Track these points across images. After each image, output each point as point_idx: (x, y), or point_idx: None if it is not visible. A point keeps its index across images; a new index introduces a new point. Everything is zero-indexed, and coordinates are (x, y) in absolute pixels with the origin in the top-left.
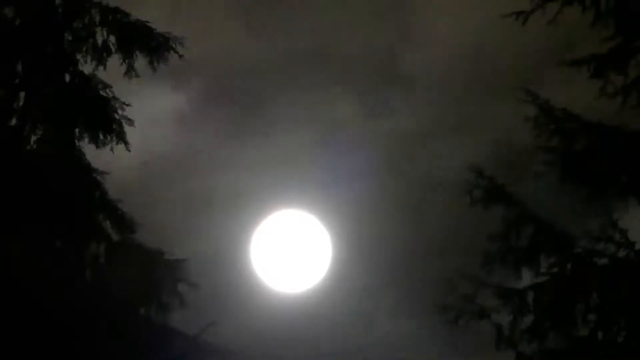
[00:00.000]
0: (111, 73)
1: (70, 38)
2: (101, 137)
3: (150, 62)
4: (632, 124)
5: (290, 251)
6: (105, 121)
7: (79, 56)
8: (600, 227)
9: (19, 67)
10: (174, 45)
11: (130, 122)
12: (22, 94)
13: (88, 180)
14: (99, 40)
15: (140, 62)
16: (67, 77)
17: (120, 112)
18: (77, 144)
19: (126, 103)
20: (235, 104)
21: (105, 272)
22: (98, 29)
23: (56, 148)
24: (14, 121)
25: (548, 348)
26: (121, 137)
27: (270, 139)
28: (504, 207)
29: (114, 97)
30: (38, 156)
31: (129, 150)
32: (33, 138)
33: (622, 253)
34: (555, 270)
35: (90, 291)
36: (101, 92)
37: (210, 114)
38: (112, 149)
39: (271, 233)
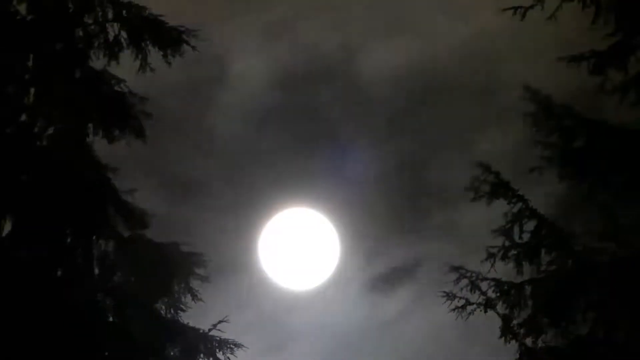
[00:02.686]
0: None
1: (81, 34)
2: (117, 132)
3: (165, 56)
4: (632, 121)
5: (298, 249)
6: (121, 117)
7: (90, 52)
8: (602, 225)
9: (30, 63)
10: (187, 39)
11: (149, 116)
12: (32, 90)
13: (98, 176)
14: (111, 36)
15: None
16: (78, 73)
17: (138, 106)
18: (87, 140)
19: (144, 97)
20: None
21: (114, 268)
22: (109, 24)
23: (66, 144)
24: (24, 117)
25: (549, 345)
26: (139, 132)
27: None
28: (507, 202)
29: (131, 92)
30: (48, 153)
31: (146, 143)
32: (43, 134)
33: (622, 252)
34: (555, 266)
35: (99, 288)
36: (115, 88)
37: None
38: (127, 144)
39: (279, 231)
